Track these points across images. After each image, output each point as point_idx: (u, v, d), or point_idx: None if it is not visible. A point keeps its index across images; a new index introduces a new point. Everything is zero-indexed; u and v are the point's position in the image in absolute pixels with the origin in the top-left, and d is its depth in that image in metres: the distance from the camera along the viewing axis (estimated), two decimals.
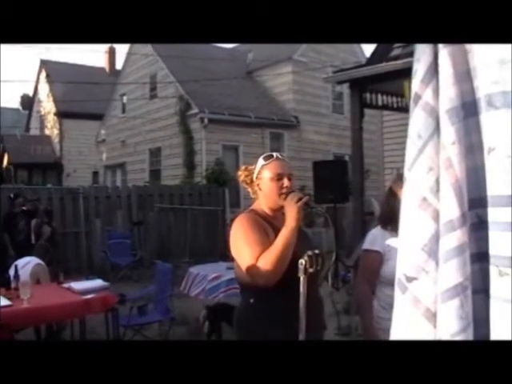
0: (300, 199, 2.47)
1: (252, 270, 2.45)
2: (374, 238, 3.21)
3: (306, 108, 18.96)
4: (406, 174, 1.27)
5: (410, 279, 1.25)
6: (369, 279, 3.19)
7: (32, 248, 8.20)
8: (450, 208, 1.20)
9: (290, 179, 2.63)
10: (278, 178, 2.61)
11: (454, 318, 1.19)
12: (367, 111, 10.06)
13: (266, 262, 2.39)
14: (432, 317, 1.23)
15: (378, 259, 3.12)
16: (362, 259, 3.37)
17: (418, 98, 1.26)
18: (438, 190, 1.22)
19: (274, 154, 2.72)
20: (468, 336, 1.19)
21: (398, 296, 1.28)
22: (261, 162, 2.69)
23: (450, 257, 1.19)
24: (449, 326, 1.19)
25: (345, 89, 16.00)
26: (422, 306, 1.24)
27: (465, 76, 1.24)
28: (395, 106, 10.47)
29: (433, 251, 1.22)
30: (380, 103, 10.28)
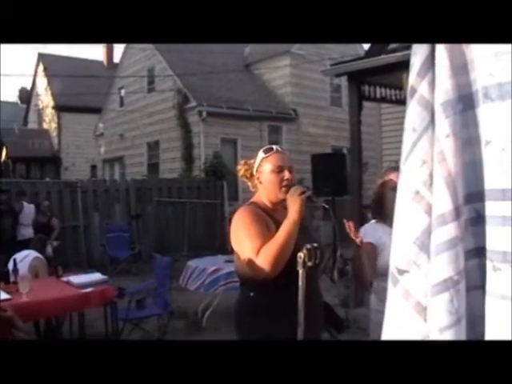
0: (303, 192, 2.46)
1: (253, 262, 2.44)
2: (366, 231, 3.23)
3: (305, 101, 18.93)
4: (401, 166, 1.27)
5: (401, 272, 1.25)
6: (366, 271, 3.18)
7: (16, 245, 8.22)
8: (442, 202, 1.19)
9: (290, 172, 2.63)
10: (279, 170, 2.61)
11: (443, 312, 1.19)
12: (366, 104, 10.02)
13: (268, 254, 2.39)
14: (422, 311, 1.23)
15: (371, 249, 3.13)
16: (356, 254, 3.35)
17: (414, 91, 1.26)
18: (431, 184, 1.22)
19: (274, 146, 2.72)
20: (457, 331, 1.18)
21: (390, 289, 1.28)
22: (261, 154, 2.68)
23: (441, 250, 1.19)
24: (438, 321, 1.19)
25: (343, 81, 15.98)
26: (412, 299, 1.24)
27: (462, 69, 1.24)
28: (394, 98, 10.44)
29: (424, 245, 1.22)
30: (378, 96, 10.25)
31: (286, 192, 2.56)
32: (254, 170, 2.69)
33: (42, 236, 7.49)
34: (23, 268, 5.43)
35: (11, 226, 9.69)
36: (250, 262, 2.47)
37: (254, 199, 2.74)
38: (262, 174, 2.65)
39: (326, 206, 2.72)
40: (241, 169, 2.77)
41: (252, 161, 2.74)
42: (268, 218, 2.60)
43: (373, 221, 3.31)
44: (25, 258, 5.73)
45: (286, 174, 2.61)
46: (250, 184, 2.77)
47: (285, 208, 2.55)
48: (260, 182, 2.68)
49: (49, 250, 7.12)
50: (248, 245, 2.49)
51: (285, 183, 2.59)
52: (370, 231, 3.21)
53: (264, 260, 2.39)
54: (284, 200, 2.57)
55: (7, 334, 1.89)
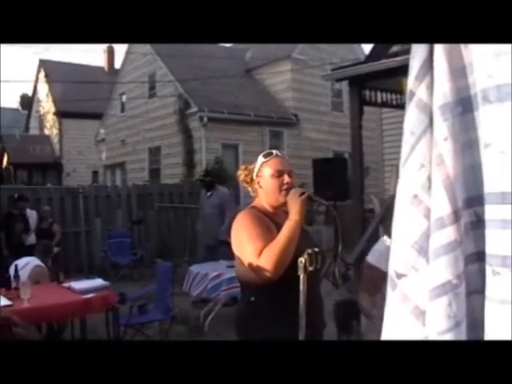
0: (303, 193, 2.47)
1: (255, 264, 2.43)
2: (380, 256, 3.10)
3: (306, 106, 18.94)
4: (400, 170, 1.27)
5: (399, 276, 1.25)
6: (370, 292, 3.12)
7: (27, 250, 8.24)
8: (440, 205, 1.19)
9: (290, 176, 2.63)
10: (279, 174, 2.61)
11: (441, 316, 1.18)
12: (367, 108, 10.02)
13: (270, 256, 2.38)
14: (420, 315, 1.22)
15: (381, 277, 3.01)
16: (365, 273, 3.26)
17: (412, 94, 1.26)
18: (429, 187, 1.21)
19: (274, 151, 2.72)
20: (456, 335, 1.17)
21: (389, 293, 1.28)
22: (260, 159, 2.69)
23: (439, 254, 1.18)
24: (436, 325, 1.18)
25: (344, 86, 15.96)
26: (410, 303, 1.23)
27: (461, 72, 1.23)
28: (395, 103, 10.44)
29: (423, 249, 1.22)
30: (379, 100, 10.25)
31: (286, 196, 2.56)
32: (254, 174, 2.70)
33: (47, 242, 7.47)
34: (23, 276, 5.42)
35: (22, 231, 9.72)
36: (252, 265, 2.45)
37: (254, 203, 2.74)
38: (262, 178, 2.66)
39: (326, 203, 2.71)
40: (241, 174, 2.77)
41: (252, 166, 2.74)
42: (269, 221, 2.60)
43: (387, 240, 3.16)
44: (26, 266, 5.71)
45: (286, 178, 2.61)
46: (250, 189, 2.77)
47: (285, 212, 2.55)
48: (260, 187, 2.68)
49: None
50: (249, 247, 2.48)
51: (285, 187, 2.59)
52: (385, 257, 3.08)
53: (266, 262, 2.38)
54: (284, 204, 2.57)
55: (7, 332, 1.89)
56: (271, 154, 2.69)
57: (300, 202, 2.45)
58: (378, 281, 3.07)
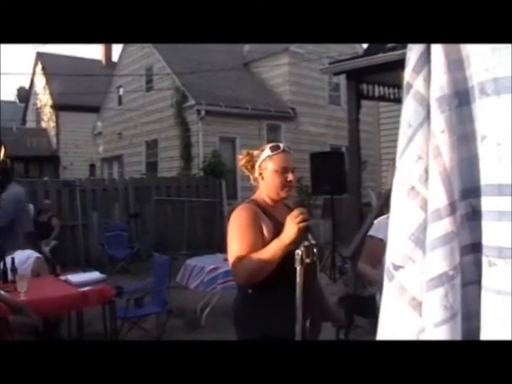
0: (303, 221, 2.38)
1: (234, 267, 2.49)
2: (379, 226, 3.28)
3: (303, 99, 18.92)
4: (397, 162, 1.27)
5: (396, 267, 1.25)
6: (371, 264, 3.25)
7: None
8: (437, 197, 1.19)
9: (293, 173, 2.64)
10: (283, 171, 2.61)
11: (437, 307, 1.18)
12: (364, 103, 10.02)
13: (248, 265, 2.41)
14: (417, 306, 1.23)
15: (381, 246, 3.17)
16: (365, 245, 3.42)
17: (410, 86, 1.26)
18: (426, 179, 1.22)
19: (281, 145, 2.69)
20: (452, 327, 1.18)
21: (386, 284, 1.29)
22: (267, 151, 2.65)
23: (436, 246, 1.19)
24: (432, 315, 1.19)
25: (341, 80, 15.96)
26: (407, 294, 1.24)
27: (458, 64, 1.24)
28: (392, 97, 10.44)
29: (420, 240, 1.22)
30: (377, 94, 10.24)
31: (287, 192, 2.61)
32: (257, 164, 2.67)
33: (32, 232, 7.33)
34: (26, 269, 5.40)
35: None
36: (232, 266, 2.51)
37: (254, 196, 2.71)
38: (266, 171, 2.64)
39: (314, 242, 2.50)
40: (242, 159, 2.73)
41: (255, 153, 2.71)
42: (265, 217, 2.59)
43: (385, 216, 3.37)
44: (27, 260, 5.67)
45: (290, 176, 2.61)
46: (250, 176, 2.75)
47: (285, 205, 2.61)
48: (262, 179, 2.66)
49: (46, 249, 7.02)
50: (235, 248, 2.50)
51: (287, 185, 2.61)
52: (383, 227, 3.27)
53: (243, 269, 2.43)
54: (284, 197, 2.62)
55: (4, 323, 1.89)
56: (278, 147, 2.65)
57: (296, 229, 2.35)
58: (378, 250, 3.18)
